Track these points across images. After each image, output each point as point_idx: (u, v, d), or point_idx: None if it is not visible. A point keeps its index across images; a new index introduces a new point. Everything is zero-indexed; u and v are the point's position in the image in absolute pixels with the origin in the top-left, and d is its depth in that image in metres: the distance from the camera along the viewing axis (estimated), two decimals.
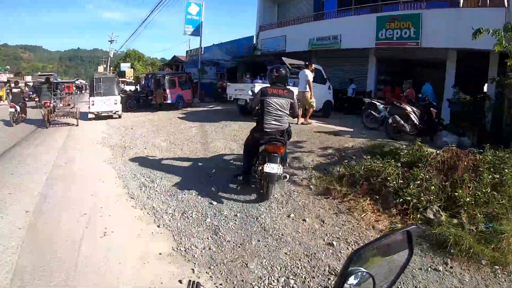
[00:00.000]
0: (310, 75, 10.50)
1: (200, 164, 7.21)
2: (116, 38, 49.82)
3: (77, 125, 13.26)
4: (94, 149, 9.02)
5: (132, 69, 48.78)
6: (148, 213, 4.84)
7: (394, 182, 5.35)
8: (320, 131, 9.50)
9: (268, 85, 5.54)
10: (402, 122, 8.84)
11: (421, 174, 5.52)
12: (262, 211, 4.88)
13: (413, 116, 9.06)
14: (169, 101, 16.70)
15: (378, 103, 10.25)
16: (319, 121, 11.54)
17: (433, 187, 5.34)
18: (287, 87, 5.63)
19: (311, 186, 5.82)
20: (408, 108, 9.09)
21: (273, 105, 5.11)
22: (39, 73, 47.27)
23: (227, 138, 9.07)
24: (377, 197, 5.37)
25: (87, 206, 5.08)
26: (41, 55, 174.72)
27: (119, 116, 14.83)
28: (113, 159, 7.76)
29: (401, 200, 5.16)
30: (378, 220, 4.94)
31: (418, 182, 5.41)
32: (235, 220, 4.59)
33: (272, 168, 4.76)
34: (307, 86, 10.27)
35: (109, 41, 48.80)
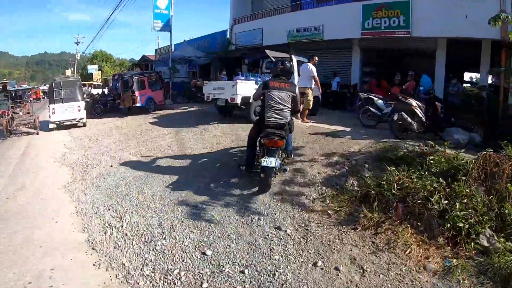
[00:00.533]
0: (314, 69, 9.22)
1: (181, 183, 5.65)
2: (83, 39, 46.49)
3: (37, 134, 12.15)
4: (51, 170, 7.27)
5: (100, 71, 45.74)
6: (117, 275, 3.32)
7: (440, 204, 4.10)
8: (315, 132, 8.16)
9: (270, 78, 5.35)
10: (409, 119, 7.64)
11: (465, 189, 4.34)
12: (278, 260, 3.47)
13: (419, 112, 7.89)
14: (138, 104, 14.70)
15: (375, 98, 9.03)
16: (307, 119, 10.21)
17: (480, 205, 4.17)
18: (290, 81, 5.45)
19: (329, 212, 4.48)
20: (414, 103, 7.91)
21: (275, 98, 4.98)
22: (5, 80, 43.86)
23: (209, 147, 7.56)
24: (418, 223, 4.11)
25: (33, 268, 3.50)
26: (7, 61, 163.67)
27: (84, 124, 12.85)
28: (72, 183, 6.10)
29: (448, 225, 3.92)
30: (427, 256, 3.71)
31: (465, 200, 4.24)
32: (244, 282, 3.16)
33: (269, 162, 4.64)
34: (311, 82, 9.09)
35: (75, 43, 45.57)
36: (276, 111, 4.98)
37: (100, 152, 8.13)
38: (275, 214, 4.45)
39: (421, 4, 11.38)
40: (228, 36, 21.18)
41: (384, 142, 7.05)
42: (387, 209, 4.32)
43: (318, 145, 7.10)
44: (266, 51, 10.03)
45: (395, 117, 7.66)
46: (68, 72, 48.64)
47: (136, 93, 14.60)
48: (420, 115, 7.91)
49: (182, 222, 4.27)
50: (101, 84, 35.29)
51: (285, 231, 4.00)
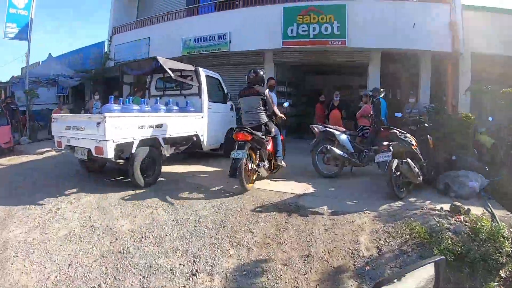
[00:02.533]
0: (273, 96, 6.32)
1: None
2: None
3: None
4: None
5: None
6: None
7: None
8: (262, 205, 4.17)
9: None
10: (416, 168, 4.36)
11: None
12: None
13: (419, 153, 4.72)
14: None
15: (336, 132, 5.58)
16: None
17: None
18: (259, 86, 5.14)
19: None
20: (414, 141, 4.69)
21: (245, 104, 5.09)
22: None
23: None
24: None
25: None
26: None
27: None
28: None
29: None
30: None
31: None
32: None
33: (237, 154, 4.52)
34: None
35: None
36: (250, 115, 5.02)
37: None
38: None
39: (358, 10, 8.65)
40: (106, 49, 15.80)
41: (397, 217, 3.75)
42: None
43: (290, 246, 3.14)
44: (159, 59, 5.66)
45: (393, 166, 4.26)
46: None
47: None
48: (422, 159, 4.75)
49: None
50: None
51: None
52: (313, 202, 4.23)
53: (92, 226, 3.68)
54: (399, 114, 6.28)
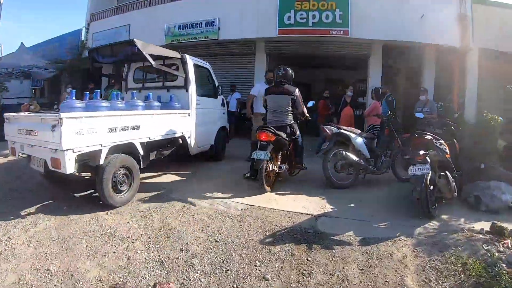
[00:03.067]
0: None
1: None
2: None
3: None
4: None
5: None
6: None
7: None
8: (273, 233, 3.27)
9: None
10: (454, 182, 3.57)
11: None
12: None
13: (452, 163, 3.94)
14: None
15: (352, 135, 4.75)
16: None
17: None
18: (288, 85, 4.80)
19: None
20: (447, 149, 3.90)
21: (273, 102, 4.76)
22: None
23: None
24: None
25: None
26: None
27: None
28: None
29: None
30: None
31: None
32: None
33: (259, 154, 4.25)
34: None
35: None
36: (276, 115, 4.72)
37: None
38: None
39: None
40: (83, 38, 14.39)
41: (440, 245, 3.03)
42: None
43: None
44: (136, 42, 4.57)
45: (428, 179, 3.46)
46: None
47: None
48: (455, 169, 3.96)
49: None
50: None
51: None
52: (335, 225, 3.34)
53: (48, 270, 2.61)
54: (420, 115, 5.43)
